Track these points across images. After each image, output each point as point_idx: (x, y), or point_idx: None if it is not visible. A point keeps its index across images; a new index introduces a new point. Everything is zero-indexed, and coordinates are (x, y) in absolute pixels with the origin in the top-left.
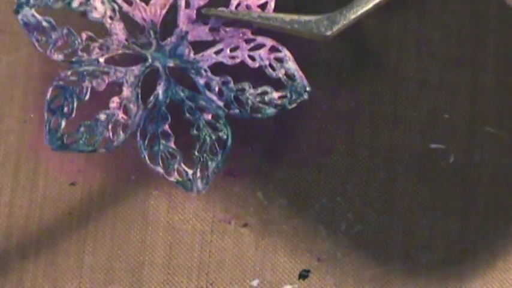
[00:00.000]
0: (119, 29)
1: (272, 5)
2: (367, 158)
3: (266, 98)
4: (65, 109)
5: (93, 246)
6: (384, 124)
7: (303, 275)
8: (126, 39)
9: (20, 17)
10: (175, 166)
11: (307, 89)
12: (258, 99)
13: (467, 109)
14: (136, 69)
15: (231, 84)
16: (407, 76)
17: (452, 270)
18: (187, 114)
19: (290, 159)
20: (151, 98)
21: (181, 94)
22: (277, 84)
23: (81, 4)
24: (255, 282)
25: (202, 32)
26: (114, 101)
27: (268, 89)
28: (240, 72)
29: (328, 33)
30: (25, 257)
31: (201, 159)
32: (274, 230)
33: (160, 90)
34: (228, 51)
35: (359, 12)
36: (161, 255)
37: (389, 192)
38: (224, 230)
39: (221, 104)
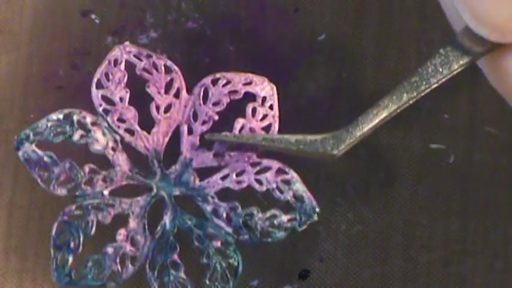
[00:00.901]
0: (121, 160)
1: (276, 126)
2: (367, 158)
3: (275, 222)
4: (71, 244)
5: (93, 246)
6: (383, 124)
7: (303, 275)
8: (130, 170)
9: (20, 153)
10: None
11: (317, 210)
12: (267, 223)
13: (467, 109)
14: (142, 200)
15: (239, 210)
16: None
17: (452, 270)
18: (196, 243)
19: (290, 159)
20: (159, 228)
21: (189, 222)
22: (285, 206)
23: (82, 137)
24: (255, 282)
25: (206, 158)
26: (121, 234)
27: (277, 212)
28: (248, 195)
29: (335, 152)
30: (25, 257)
31: None
32: None
33: (167, 219)
34: (234, 176)
35: (365, 129)
36: None
37: (389, 192)
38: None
39: (230, 230)
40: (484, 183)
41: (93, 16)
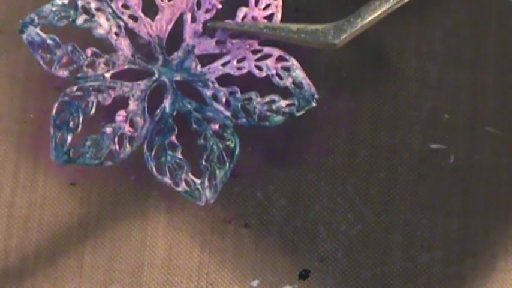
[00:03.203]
0: (124, 45)
1: (279, 16)
2: (367, 158)
3: (274, 107)
4: (71, 124)
5: (93, 246)
6: (384, 124)
7: (303, 275)
8: (132, 55)
9: (24, 36)
10: (183, 176)
11: (316, 96)
12: (265, 107)
13: (467, 109)
14: (142, 84)
15: (238, 94)
16: (407, 76)
17: (452, 270)
18: (195, 125)
19: (290, 159)
20: (158, 111)
21: (189, 106)
22: (284, 94)
23: (85, 21)
24: (255, 283)
25: (209, 46)
26: (120, 115)
27: (275, 97)
28: (247, 82)
29: (336, 41)
30: (25, 257)
31: (209, 169)
32: (274, 230)
33: (167, 103)
34: (234, 62)
35: (366, 20)
36: (161, 255)
37: (389, 192)
38: (224, 230)
39: (228, 114)
40: (484, 183)
41: None
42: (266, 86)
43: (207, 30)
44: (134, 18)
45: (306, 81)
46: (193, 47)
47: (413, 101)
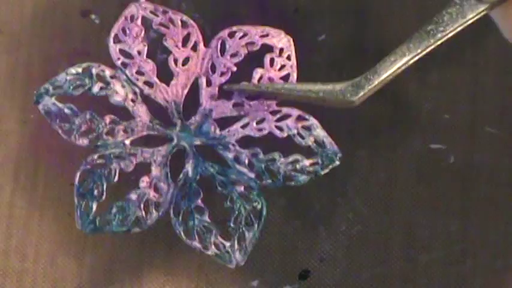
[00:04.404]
0: (141, 112)
1: (295, 76)
2: (367, 158)
3: (298, 166)
4: (95, 192)
5: (93, 246)
6: (384, 124)
7: (303, 275)
8: (150, 121)
9: (40, 106)
10: (212, 239)
11: (339, 154)
12: (289, 167)
13: (467, 109)
14: (163, 150)
15: (261, 156)
16: (407, 76)
17: (452, 270)
18: (220, 188)
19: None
20: (181, 176)
21: (211, 170)
22: (306, 151)
23: (101, 89)
24: (255, 283)
25: (226, 109)
26: (144, 181)
27: (299, 157)
28: (268, 143)
29: (354, 98)
30: (25, 257)
31: (238, 231)
32: (274, 230)
33: (189, 168)
34: (254, 124)
35: (382, 76)
36: (161, 255)
37: (389, 192)
38: (224, 230)
39: (252, 175)
40: (484, 183)
41: (93, 16)
42: (287, 146)
43: (224, 94)
44: (149, 84)
45: (328, 140)
46: (211, 110)
47: (413, 101)
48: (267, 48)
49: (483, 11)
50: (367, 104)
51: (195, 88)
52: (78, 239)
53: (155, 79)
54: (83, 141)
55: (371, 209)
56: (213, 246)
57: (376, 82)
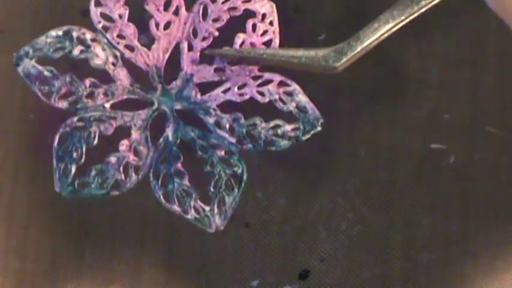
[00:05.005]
0: (122, 75)
1: (277, 41)
2: (367, 158)
3: (279, 131)
4: (74, 154)
5: (93, 246)
6: (383, 124)
7: (303, 275)
8: (131, 85)
9: (20, 69)
10: (192, 203)
11: (321, 120)
12: (270, 132)
13: (467, 109)
14: (143, 114)
15: (242, 121)
16: (408, 76)
17: (452, 270)
18: (200, 152)
19: (290, 159)
20: (161, 140)
21: (192, 134)
22: (288, 118)
23: (82, 52)
24: (255, 283)
25: (207, 73)
26: (124, 144)
27: (280, 122)
28: (250, 108)
29: (336, 64)
30: (25, 257)
31: (218, 195)
32: (274, 230)
33: (169, 132)
34: (235, 89)
35: (365, 43)
36: (161, 255)
37: (389, 192)
38: (224, 230)
39: (233, 140)
40: (484, 183)
41: None
42: (269, 111)
43: (205, 58)
44: (130, 48)
45: (310, 105)
46: (192, 75)
47: (413, 101)
48: (250, 14)
49: None
50: (368, 104)
51: (176, 52)
52: (78, 239)
53: (136, 43)
54: (63, 104)
55: (371, 209)
56: (192, 210)
57: (359, 48)
